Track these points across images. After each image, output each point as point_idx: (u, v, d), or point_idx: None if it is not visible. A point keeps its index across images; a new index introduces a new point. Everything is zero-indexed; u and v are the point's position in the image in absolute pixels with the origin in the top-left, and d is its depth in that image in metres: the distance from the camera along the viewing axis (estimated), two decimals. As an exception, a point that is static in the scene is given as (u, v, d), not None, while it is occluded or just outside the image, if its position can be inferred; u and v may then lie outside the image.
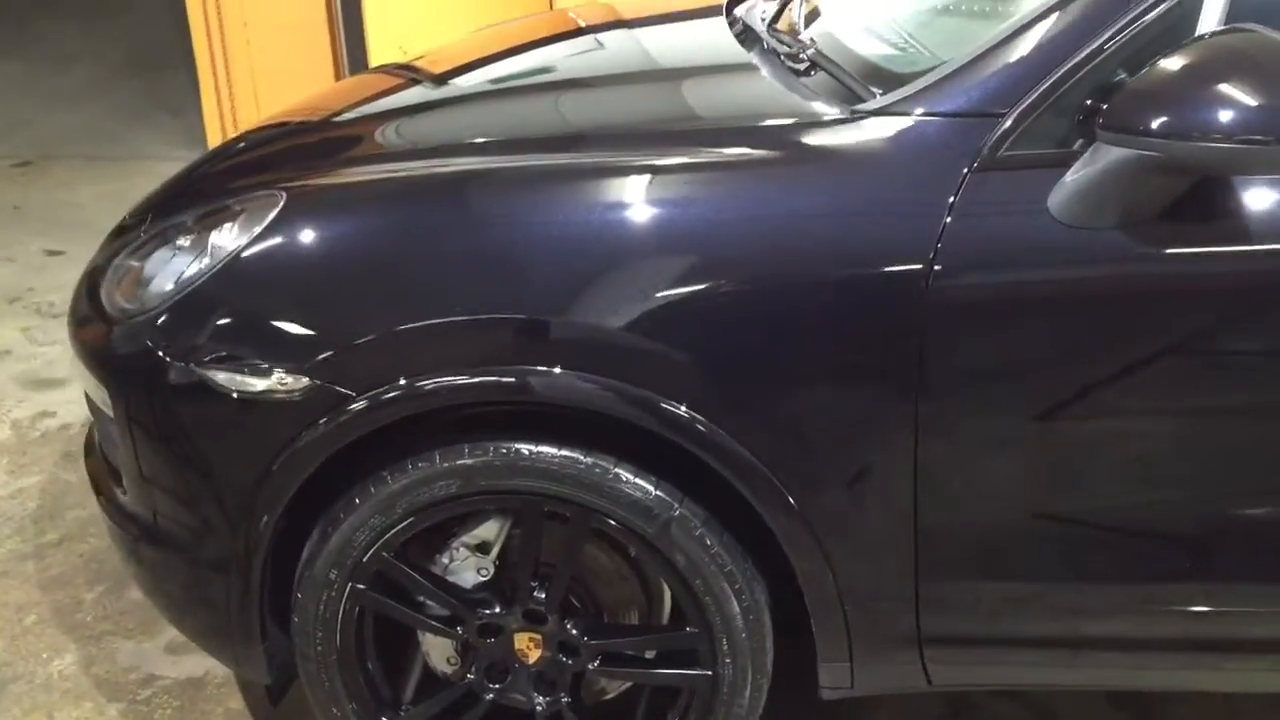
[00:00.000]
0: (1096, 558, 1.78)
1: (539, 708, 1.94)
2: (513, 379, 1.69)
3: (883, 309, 1.65)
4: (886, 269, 1.63)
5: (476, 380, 1.70)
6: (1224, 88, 1.47)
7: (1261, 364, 1.65)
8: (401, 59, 5.13)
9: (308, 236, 1.82)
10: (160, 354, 1.82)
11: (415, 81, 2.51)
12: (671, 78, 2.26)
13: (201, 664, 2.46)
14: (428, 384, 1.70)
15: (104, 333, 1.96)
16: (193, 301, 1.82)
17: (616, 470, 1.76)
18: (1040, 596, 1.81)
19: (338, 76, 5.80)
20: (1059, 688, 2.02)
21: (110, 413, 1.96)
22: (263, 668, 1.97)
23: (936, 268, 1.61)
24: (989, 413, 1.68)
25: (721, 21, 2.42)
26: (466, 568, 1.91)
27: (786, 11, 2.36)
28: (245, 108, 5.78)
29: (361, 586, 1.87)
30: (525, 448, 1.75)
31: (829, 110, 1.79)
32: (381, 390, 1.71)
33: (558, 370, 1.68)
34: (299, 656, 1.93)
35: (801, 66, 2.01)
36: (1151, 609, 1.79)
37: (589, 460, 1.75)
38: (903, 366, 1.65)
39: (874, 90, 1.78)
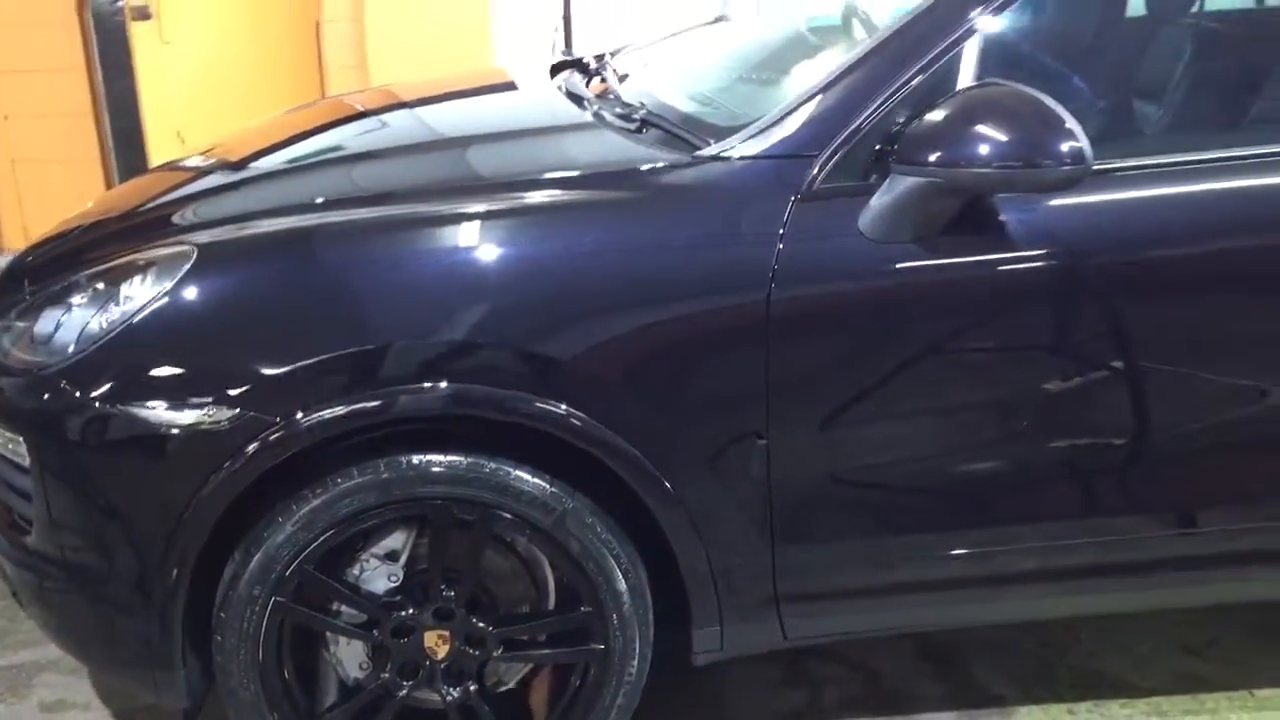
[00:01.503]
0: (903, 514, 2.16)
1: (450, 698, 2.15)
2: (413, 396, 1.94)
3: (733, 319, 2.00)
4: (735, 286, 1.99)
5: (381, 400, 1.94)
6: (981, 128, 1.90)
7: (1020, 343, 2.09)
8: (180, 144, 5.26)
9: (224, 283, 2.02)
10: (83, 398, 1.97)
11: (232, 164, 2.67)
12: (518, 135, 2.57)
13: (81, 718, 2.53)
14: (329, 412, 1.92)
15: (11, 385, 2.07)
16: (115, 347, 1.98)
17: (516, 472, 2.02)
18: (864, 554, 2.17)
19: (104, 163, 5.80)
20: (889, 630, 2.37)
21: (16, 460, 2.07)
22: (183, 693, 2.11)
23: (774, 284, 1.98)
24: (823, 401, 2.05)
25: (551, 86, 2.75)
26: (378, 576, 2.12)
27: (601, 80, 2.73)
28: (5, 193, 5.71)
29: (283, 600, 2.04)
30: (436, 457, 2.00)
31: (672, 156, 2.14)
32: (291, 420, 1.92)
33: (445, 384, 1.94)
34: (221, 673, 2.07)
35: (633, 125, 2.35)
36: (948, 553, 2.18)
37: (493, 465, 2.01)
38: (752, 369, 2.01)
39: (706, 140, 2.14)
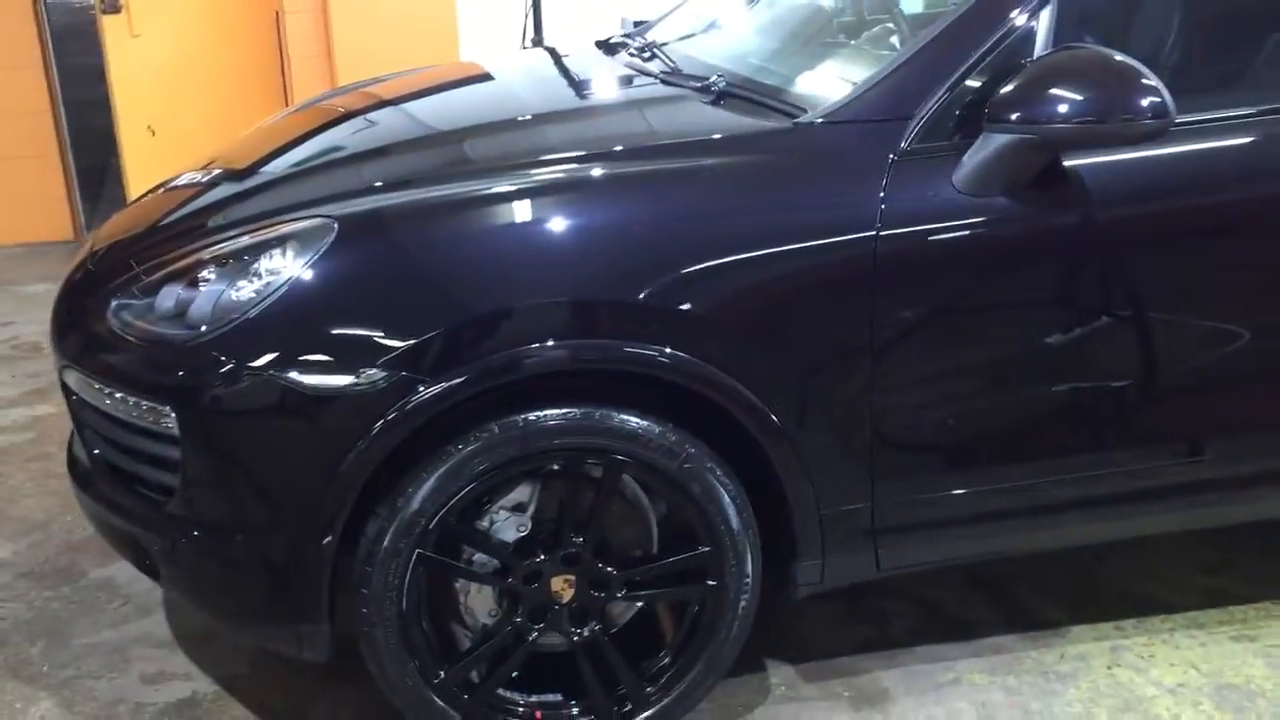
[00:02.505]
0: (986, 449, 2.35)
1: (578, 638, 2.28)
2: (567, 351, 2.06)
3: (844, 267, 2.16)
4: (846, 237, 2.15)
5: (533, 355, 2.05)
6: (1066, 87, 2.10)
7: (1098, 285, 2.29)
8: (151, 138, 5.26)
9: (369, 252, 2.12)
10: (237, 367, 2.05)
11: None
12: (613, 108, 2.71)
13: (185, 687, 2.60)
14: (494, 361, 2.04)
15: (150, 357, 2.14)
16: (264, 317, 2.06)
17: (644, 422, 2.16)
18: (952, 486, 2.35)
19: (63, 161, 5.76)
20: (970, 558, 2.56)
21: (157, 429, 2.15)
22: (326, 646, 2.20)
23: (881, 234, 2.15)
24: (921, 344, 2.23)
25: (613, 62, 2.89)
26: (508, 527, 2.24)
27: (651, 54, 2.88)
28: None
29: (426, 552, 2.15)
30: (573, 410, 2.12)
31: (774, 123, 2.30)
32: (452, 371, 2.03)
33: (583, 340, 2.08)
34: (366, 625, 2.17)
35: (711, 95, 2.51)
36: (1025, 484, 2.38)
37: (622, 416, 2.14)
38: (859, 315, 2.17)
39: (799, 107, 2.30)
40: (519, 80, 3.03)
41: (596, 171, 2.21)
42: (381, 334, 2.05)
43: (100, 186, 6.33)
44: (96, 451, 2.40)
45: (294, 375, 2.04)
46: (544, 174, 2.23)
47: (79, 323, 2.38)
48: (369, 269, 2.11)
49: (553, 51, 3.40)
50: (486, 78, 2.92)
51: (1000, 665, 2.62)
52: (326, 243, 2.09)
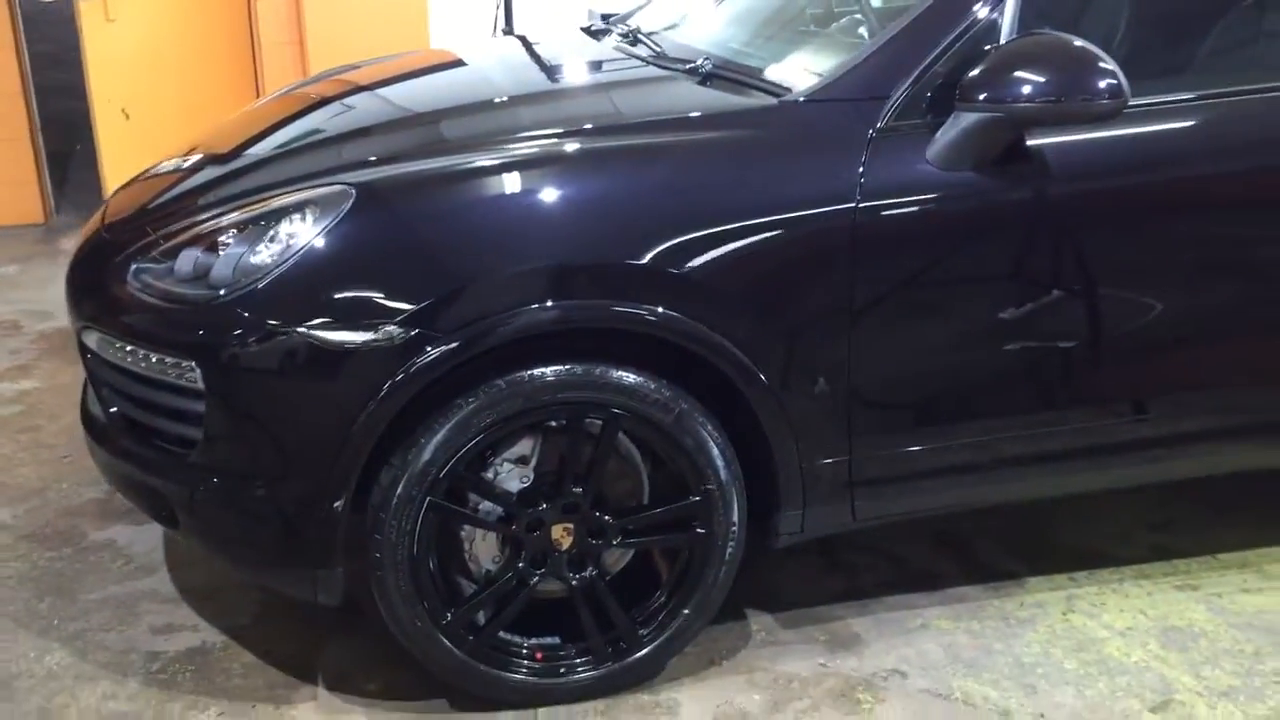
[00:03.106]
0: (955, 406, 2.53)
1: (575, 583, 2.43)
2: (559, 312, 2.21)
3: (826, 235, 2.33)
4: (828, 207, 2.32)
5: (551, 313, 2.21)
6: (1031, 69, 2.28)
7: (1056, 255, 2.48)
8: (125, 121, 5.33)
9: (387, 216, 2.26)
10: (262, 324, 2.18)
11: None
12: (611, 86, 2.86)
13: (194, 637, 2.72)
14: (502, 320, 2.19)
15: (174, 316, 2.27)
16: (288, 277, 2.19)
17: (639, 378, 2.31)
18: (924, 441, 2.53)
19: (33, 144, 5.80)
20: (940, 510, 2.73)
21: (180, 384, 2.27)
22: (340, 589, 2.34)
23: (860, 204, 2.32)
24: (899, 306, 2.40)
25: (602, 45, 3.04)
26: (512, 478, 2.39)
27: (635, 39, 3.05)
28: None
29: (437, 500, 2.30)
30: (575, 366, 2.28)
31: (761, 101, 2.47)
32: (466, 328, 2.17)
33: (596, 300, 2.23)
34: (378, 569, 2.31)
35: (698, 76, 2.67)
36: (988, 439, 2.56)
37: (619, 373, 2.30)
38: (840, 276, 2.35)
39: (784, 87, 2.47)
40: (517, 63, 3.17)
41: (597, 144, 2.37)
42: (398, 293, 2.19)
43: (68, 170, 6.38)
44: (114, 410, 2.51)
45: (315, 331, 2.17)
46: (547, 146, 2.38)
47: (98, 287, 2.49)
48: (385, 232, 2.25)
49: (544, 38, 3.55)
50: (487, 59, 3.06)
51: (964, 612, 2.80)
52: (345, 208, 2.23)
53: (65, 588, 2.91)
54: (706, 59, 2.72)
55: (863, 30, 3.17)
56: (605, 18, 3.64)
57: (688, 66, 2.73)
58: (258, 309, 2.20)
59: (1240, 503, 3.23)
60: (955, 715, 2.46)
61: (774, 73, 2.61)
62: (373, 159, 2.44)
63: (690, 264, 2.27)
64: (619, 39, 3.17)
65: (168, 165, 2.91)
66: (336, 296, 2.19)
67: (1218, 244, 2.56)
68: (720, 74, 2.67)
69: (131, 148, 5.44)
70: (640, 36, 3.11)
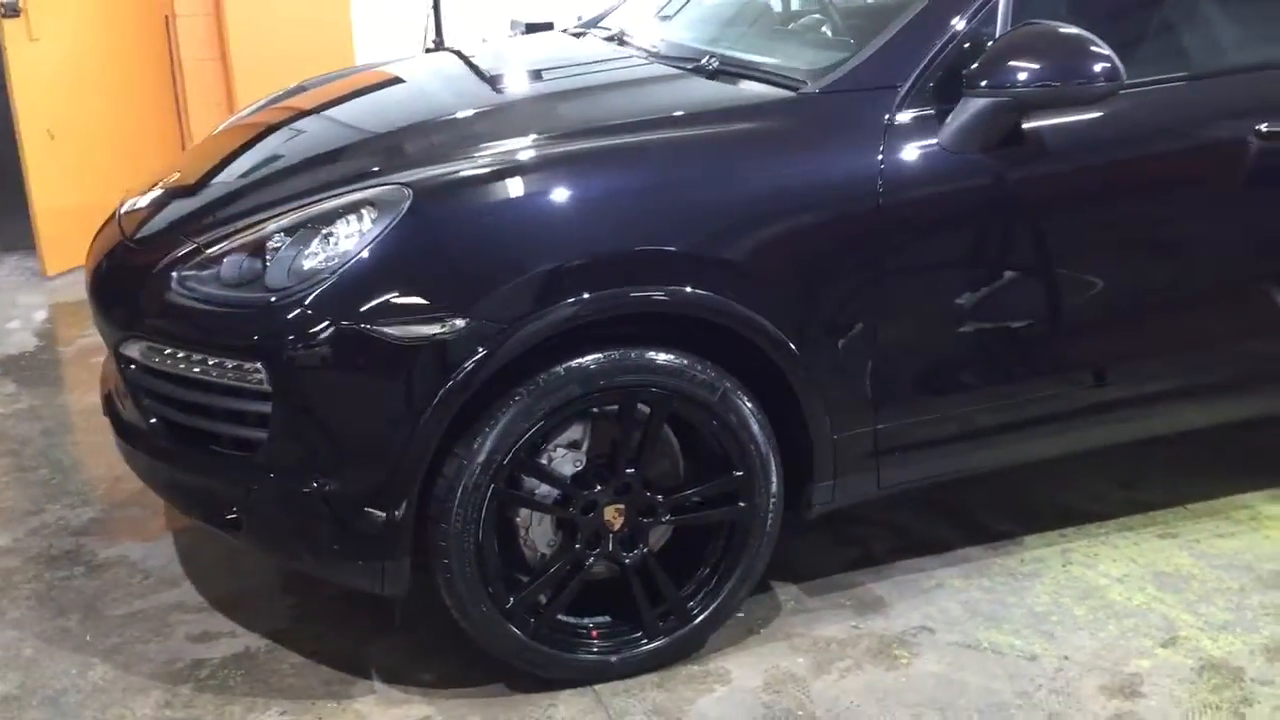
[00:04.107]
0: (970, 374, 2.71)
1: (628, 561, 2.53)
2: (621, 297, 2.32)
3: (852, 218, 2.49)
4: (853, 190, 2.48)
5: (595, 301, 2.31)
6: (1032, 56, 2.46)
7: (1063, 231, 2.67)
8: (50, 141, 5.23)
9: (444, 215, 2.33)
10: (326, 323, 2.23)
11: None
12: (630, 85, 2.96)
13: (235, 643, 2.73)
14: (563, 308, 2.28)
15: (231, 321, 2.31)
16: (348, 277, 2.25)
17: (686, 359, 2.43)
18: (942, 409, 2.70)
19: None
20: (956, 474, 2.88)
21: (242, 386, 2.31)
22: (406, 580, 2.39)
23: (881, 187, 2.48)
24: (920, 282, 2.57)
25: (605, 46, 3.16)
26: (565, 463, 2.48)
27: (624, 41, 3.17)
28: None
29: (501, 487, 2.37)
30: (631, 351, 2.38)
31: (780, 93, 2.60)
32: (532, 318, 2.26)
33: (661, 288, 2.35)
34: (444, 557, 2.37)
35: (706, 73, 2.81)
36: (998, 405, 2.75)
37: (669, 355, 2.41)
38: (866, 254, 2.50)
39: (798, 80, 2.62)
40: (526, 64, 3.26)
41: (634, 139, 2.48)
42: (464, 286, 2.27)
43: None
44: (156, 418, 2.52)
45: (384, 327, 2.23)
46: (589, 143, 2.48)
47: (139, 297, 2.50)
48: (447, 228, 2.33)
49: (537, 40, 3.64)
50: (493, 63, 3.15)
51: (973, 571, 2.98)
52: (404, 207, 2.30)
53: (89, 605, 2.89)
54: (711, 56, 2.85)
55: (825, 29, 3.36)
56: (593, 21, 3.75)
57: (693, 64, 2.86)
58: (324, 307, 2.25)
59: (1199, 458, 3.48)
60: (987, 663, 2.62)
61: (781, 67, 2.75)
62: (420, 159, 2.51)
63: (732, 249, 2.40)
64: (609, 41, 3.27)
65: (182, 176, 2.93)
66: (404, 292, 2.26)
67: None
68: (727, 70, 2.80)
69: (57, 167, 5.33)
70: (626, 38, 3.23)
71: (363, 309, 2.24)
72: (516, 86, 3.11)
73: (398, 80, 3.30)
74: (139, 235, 2.66)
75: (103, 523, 3.28)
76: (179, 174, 2.96)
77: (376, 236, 2.28)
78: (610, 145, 2.47)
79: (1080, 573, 2.96)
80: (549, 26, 6.03)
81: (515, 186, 2.37)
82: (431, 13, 5.72)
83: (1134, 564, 3.00)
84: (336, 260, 2.28)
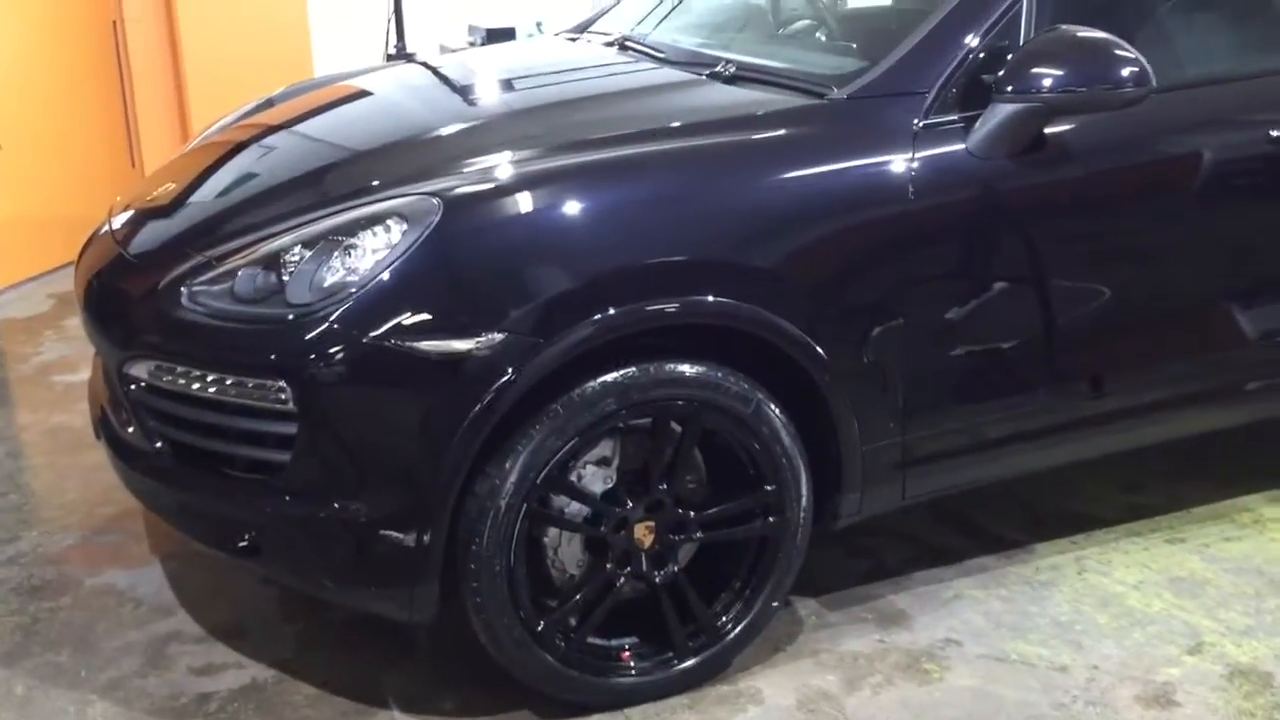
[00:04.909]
0: (995, 382, 2.68)
1: (658, 580, 2.45)
2: (660, 308, 2.25)
3: (883, 225, 2.45)
4: (886, 198, 2.43)
5: (636, 312, 2.24)
6: (1059, 62, 2.44)
7: (1094, 236, 2.65)
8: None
9: (478, 225, 2.24)
10: (354, 339, 2.13)
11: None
12: (650, 91, 2.89)
13: (241, 675, 2.61)
14: (606, 320, 2.21)
15: (250, 338, 2.20)
16: (379, 291, 2.15)
17: (720, 371, 2.37)
18: (967, 418, 2.67)
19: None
20: (977, 483, 2.84)
21: (265, 406, 2.20)
22: (435, 605, 2.30)
23: (912, 194, 2.44)
24: (949, 291, 2.53)
25: (612, 52, 3.09)
26: (595, 480, 2.40)
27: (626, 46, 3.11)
28: None
29: (534, 506, 2.29)
30: (665, 364, 2.31)
31: (807, 100, 2.56)
32: (568, 331, 2.18)
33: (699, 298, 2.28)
34: (474, 580, 2.27)
35: (723, 78, 2.75)
36: (1023, 413, 2.72)
37: (701, 366, 2.35)
38: (899, 264, 2.46)
39: (825, 86, 2.57)
40: (535, 70, 3.18)
41: (668, 146, 2.42)
42: (497, 300, 2.18)
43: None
44: (162, 441, 2.40)
45: (414, 343, 2.14)
46: (619, 149, 2.41)
47: (143, 314, 2.39)
48: (480, 240, 2.24)
49: (538, 44, 3.56)
50: (500, 68, 3.07)
51: (989, 581, 2.95)
52: (435, 219, 2.20)
53: (80, 638, 2.74)
54: (727, 62, 2.80)
55: (820, 35, 3.34)
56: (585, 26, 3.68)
57: (709, 70, 2.80)
58: (352, 323, 2.15)
59: (1195, 461, 3.50)
60: (1019, 675, 2.59)
61: (802, 73, 2.71)
62: (441, 170, 2.42)
63: (768, 258, 2.35)
64: (610, 46, 3.21)
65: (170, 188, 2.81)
66: (436, 306, 2.17)
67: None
68: (744, 76, 2.75)
69: (5, 179, 5.13)
70: (632, 43, 3.16)
71: (394, 324, 2.14)
72: (531, 93, 3.02)
73: (397, 87, 3.19)
74: (138, 250, 2.54)
75: (83, 549, 3.13)
76: (169, 186, 2.83)
77: (407, 249, 2.18)
78: (645, 152, 2.41)
79: (1096, 580, 2.95)
80: (510, 33, 5.97)
81: (547, 196, 2.29)
82: (393, 17, 5.59)
83: (1148, 570, 2.99)
84: (362, 274, 2.19)
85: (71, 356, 4.49)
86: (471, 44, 6.05)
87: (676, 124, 2.53)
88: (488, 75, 3.17)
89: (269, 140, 2.99)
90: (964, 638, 2.72)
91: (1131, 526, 3.20)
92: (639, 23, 3.45)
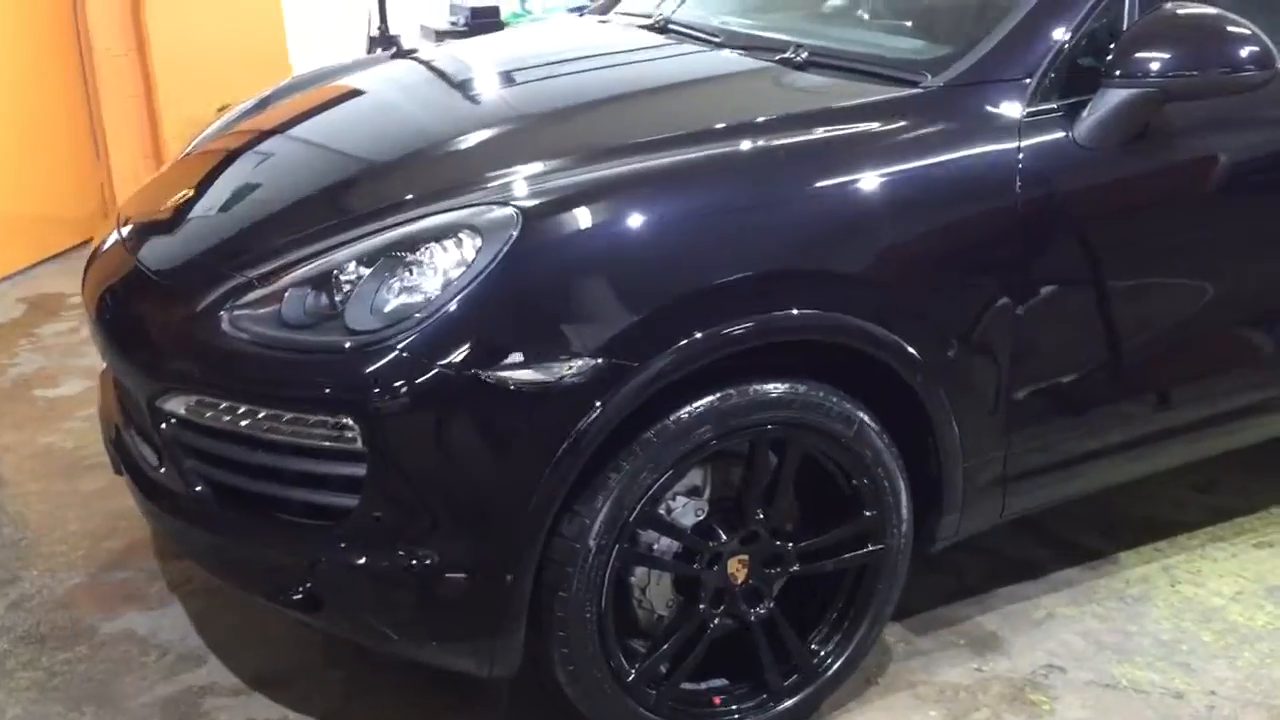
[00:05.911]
0: (1098, 390, 2.48)
1: (753, 618, 2.24)
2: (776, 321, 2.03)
3: (992, 224, 2.24)
4: (993, 193, 2.22)
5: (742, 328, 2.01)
6: (1172, 43, 2.24)
7: (1218, 230, 2.47)
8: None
9: (558, 243, 1.99)
10: (430, 368, 1.89)
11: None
12: (717, 80, 2.66)
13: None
14: (711, 338, 1.98)
15: (306, 368, 1.95)
16: (455, 316, 1.91)
17: (821, 391, 2.15)
18: (1070, 429, 2.47)
19: None
20: (1078, 494, 2.65)
21: (326, 446, 1.96)
22: (518, 658, 2.07)
23: (1020, 189, 2.23)
24: (1063, 290, 2.32)
25: (663, 38, 2.85)
26: (687, 513, 2.18)
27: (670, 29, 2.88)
28: None
29: (627, 546, 2.06)
30: (762, 385, 2.09)
31: (900, 89, 2.33)
32: (668, 353, 1.96)
33: (794, 311, 2.06)
34: (561, 629, 2.05)
35: (795, 64, 2.53)
36: (1127, 421, 2.54)
37: (804, 386, 2.13)
38: (1007, 264, 2.25)
39: (920, 73, 2.35)
40: (577, 54, 2.93)
41: (759, 144, 2.19)
42: (586, 322, 1.95)
43: None
44: (199, 488, 2.14)
45: (499, 372, 1.90)
46: (702, 150, 2.17)
47: (178, 342, 2.13)
48: (564, 255, 1.99)
49: (560, 26, 3.30)
50: (538, 53, 2.81)
51: (1079, 596, 2.77)
52: (514, 232, 1.96)
53: (103, 694, 2.48)
54: (797, 46, 2.57)
55: (861, 12, 3.12)
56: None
57: (779, 55, 2.57)
58: (426, 351, 1.90)
59: (1266, 458, 3.33)
60: (1133, 704, 2.42)
61: (888, 60, 2.48)
62: (507, 172, 2.17)
63: (875, 264, 2.14)
64: (649, 29, 2.96)
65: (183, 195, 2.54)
66: (521, 331, 1.93)
67: None
68: (817, 61, 2.52)
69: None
70: (673, 24, 2.92)
71: (471, 353, 1.90)
72: (586, 84, 2.75)
73: (423, 80, 2.91)
74: (161, 266, 2.27)
75: (93, 589, 2.86)
76: (180, 195, 2.55)
77: (485, 267, 1.93)
78: (735, 152, 2.18)
79: (1191, 592, 2.78)
80: (494, 11, 5.71)
81: (634, 204, 2.04)
82: (376, 3, 5.29)
83: (1242, 579, 2.82)
84: (431, 295, 1.94)
85: (50, 369, 4.18)
86: (453, 24, 5.77)
87: (761, 119, 2.29)
88: (536, 62, 2.90)
89: (281, 145, 2.73)
90: (1066, 663, 2.54)
91: (1213, 531, 3.04)
92: (680, 2, 3.19)
